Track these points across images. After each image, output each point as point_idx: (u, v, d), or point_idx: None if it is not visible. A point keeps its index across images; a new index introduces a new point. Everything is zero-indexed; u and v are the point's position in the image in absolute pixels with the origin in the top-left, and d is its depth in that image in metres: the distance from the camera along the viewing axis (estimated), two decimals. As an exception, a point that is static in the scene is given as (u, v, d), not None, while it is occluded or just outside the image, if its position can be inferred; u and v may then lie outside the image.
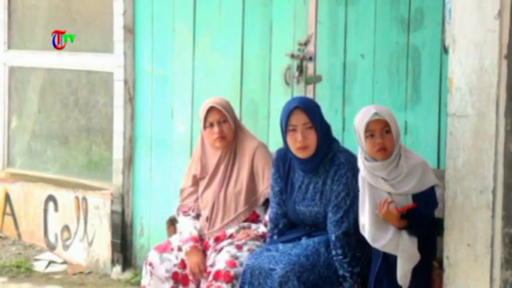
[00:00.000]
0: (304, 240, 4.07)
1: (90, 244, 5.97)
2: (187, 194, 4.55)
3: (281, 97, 4.84)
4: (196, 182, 4.52)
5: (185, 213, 4.51)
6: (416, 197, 3.72)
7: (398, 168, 3.73)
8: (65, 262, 6.10)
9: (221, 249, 4.28)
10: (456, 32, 3.64)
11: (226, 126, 4.40)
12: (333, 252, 3.95)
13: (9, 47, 6.72)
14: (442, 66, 4.28)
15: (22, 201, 6.49)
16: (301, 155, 4.02)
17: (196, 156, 4.53)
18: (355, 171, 3.88)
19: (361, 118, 3.75)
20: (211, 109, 4.38)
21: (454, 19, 3.66)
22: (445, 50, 4.24)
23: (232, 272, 4.10)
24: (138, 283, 5.17)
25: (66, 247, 6.15)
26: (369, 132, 3.71)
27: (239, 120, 4.57)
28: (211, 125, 4.39)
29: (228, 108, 4.44)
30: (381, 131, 3.71)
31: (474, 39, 3.57)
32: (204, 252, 4.35)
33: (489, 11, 3.54)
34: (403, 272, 3.71)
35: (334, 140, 4.09)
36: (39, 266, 6.03)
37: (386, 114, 3.73)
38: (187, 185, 4.55)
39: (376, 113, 3.71)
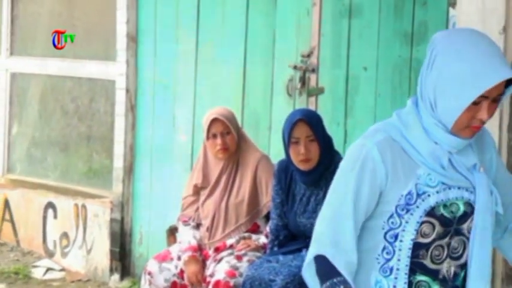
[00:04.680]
0: (304, 252, 4.05)
1: (88, 252, 5.96)
2: (188, 204, 4.54)
3: (283, 108, 4.83)
4: (197, 191, 4.51)
5: (185, 223, 4.50)
6: None
7: None
8: (63, 269, 6.08)
9: (221, 259, 4.26)
10: (460, 47, 3.63)
11: (229, 138, 4.39)
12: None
13: (11, 53, 6.72)
14: (445, 80, 4.27)
15: (21, 207, 6.47)
16: (303, 167, 4.01)
17: (198, 166, 4.52)
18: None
19: None
20: (214, 120, 4.37)
21: (458, 34, 3.65)
22: (448, 64, 4.23)
23: (231, 282, 4.09)
24: (136, 292, 5.16)
25: (64, 254, 6.13)
26: None
27: (242, 131, 4.55)
28: (214, 136, 4.38)
29: (232, 119, 4.43)
30: None
31: (478, 54, 3.56)
32: (203, 262, 4.34)
33: (494, 26, 3.54)
34: None
35: (336, 153, 4.09)
36: (37, 273, 6.02)
37: None
38: (189, 194, 4.54)
39: None
